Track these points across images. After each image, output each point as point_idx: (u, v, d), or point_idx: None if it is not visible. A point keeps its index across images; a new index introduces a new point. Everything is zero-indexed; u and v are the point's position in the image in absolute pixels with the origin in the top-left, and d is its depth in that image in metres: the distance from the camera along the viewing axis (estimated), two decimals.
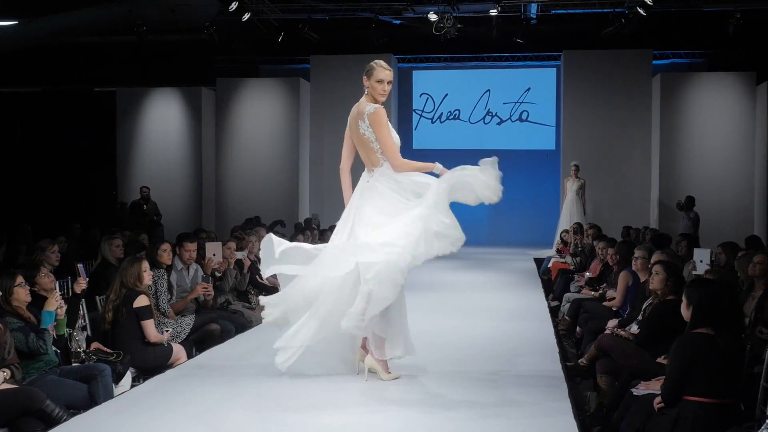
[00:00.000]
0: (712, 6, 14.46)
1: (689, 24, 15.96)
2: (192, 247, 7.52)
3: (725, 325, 4.32)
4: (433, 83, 18.66)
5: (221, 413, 4.72)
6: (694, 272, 7.28)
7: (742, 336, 5.24)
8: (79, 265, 6.02)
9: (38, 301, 5.52)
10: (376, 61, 5.52)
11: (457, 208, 5.23)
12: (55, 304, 5.41)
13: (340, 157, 5.72)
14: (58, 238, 8.20)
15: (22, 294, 5.32)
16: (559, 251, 12.67)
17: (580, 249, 11.47)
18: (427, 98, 18.64)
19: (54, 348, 5.43)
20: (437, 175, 5.32)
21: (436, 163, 5.34)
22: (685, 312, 4.45)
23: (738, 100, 15.95)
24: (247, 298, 8.50)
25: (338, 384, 5.29)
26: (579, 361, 6.48)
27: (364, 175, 5.49)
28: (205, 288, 7.35)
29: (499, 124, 18.38)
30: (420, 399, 5.00)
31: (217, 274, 7.97)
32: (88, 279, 6.16)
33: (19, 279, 5.36)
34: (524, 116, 18.29)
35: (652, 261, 6.56)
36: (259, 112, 17.30)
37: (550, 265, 12.49)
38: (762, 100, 15.60)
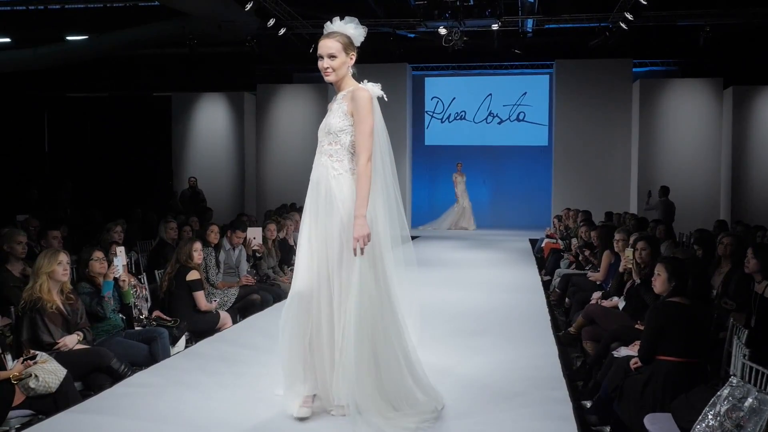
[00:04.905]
0: (684, 20, 14.31)
1: (665, 36, 15.81)
2: (242, 235, 7.65)
3: (696, 296, 4.29)
4: (442, 88, 18.53)
5: (263, 370, 4.74)
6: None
7: (709, 305, 5.20)
8: (115, 259, 5.52)
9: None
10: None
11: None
12: (112, 276, 5.44)
13: None
14: (118, 220, 8.20)
15: (96, 266, 5.35)
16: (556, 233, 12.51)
17: (567, 233, 11.39)
18: (438, 101, 18.54)
19: (120, 315, 5.48)
20: None
21: None
22: (663, 284, 4.39)
23: (707, 103, 15.76)
24: (284, 271, 8.54)
25: None
26: (568, 329, 6.45)
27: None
28: (248, 279, 7.41)
29: (499, 123, 18.25)
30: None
31: (258, 255, 8.01)
32: (120, 272, 5.56)
33: (97, 254, 5.38)
34: (521, 117, 18.15)
35: (635, 240, 6.35)
36: (293, 113, 17.29)
37: (543, 245, 12.42)
38: (728, 103, 15.41)
